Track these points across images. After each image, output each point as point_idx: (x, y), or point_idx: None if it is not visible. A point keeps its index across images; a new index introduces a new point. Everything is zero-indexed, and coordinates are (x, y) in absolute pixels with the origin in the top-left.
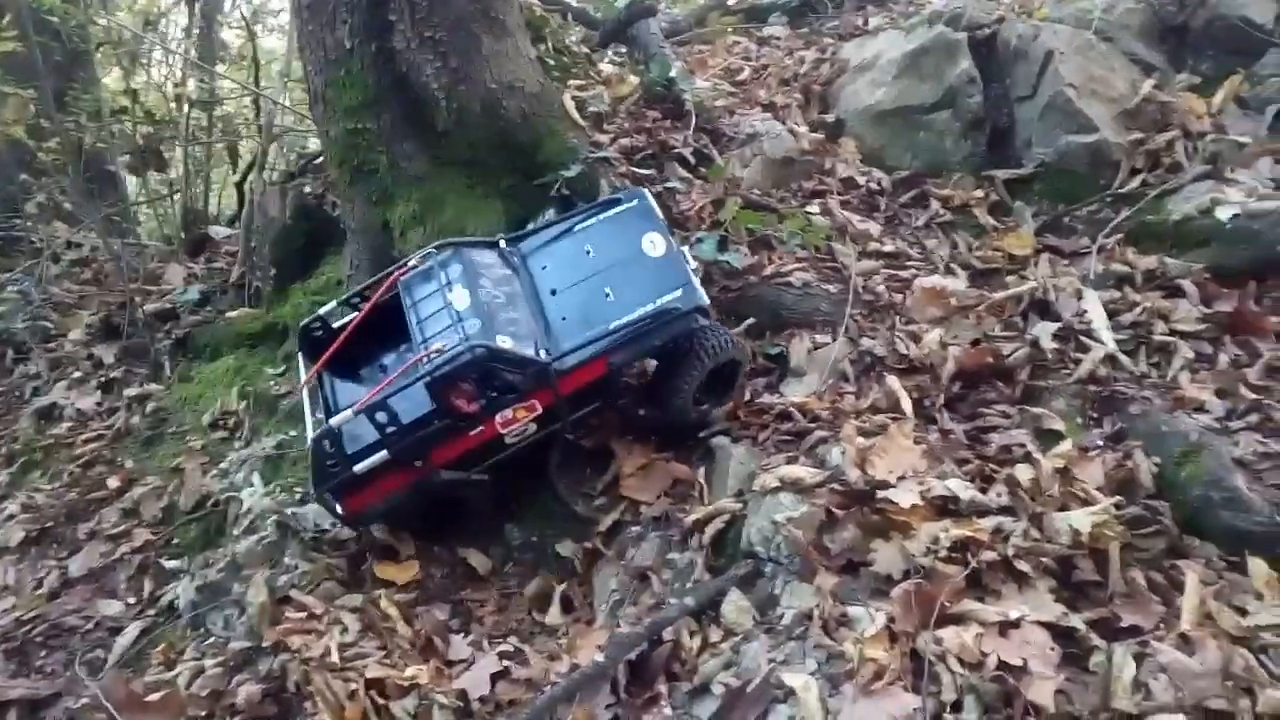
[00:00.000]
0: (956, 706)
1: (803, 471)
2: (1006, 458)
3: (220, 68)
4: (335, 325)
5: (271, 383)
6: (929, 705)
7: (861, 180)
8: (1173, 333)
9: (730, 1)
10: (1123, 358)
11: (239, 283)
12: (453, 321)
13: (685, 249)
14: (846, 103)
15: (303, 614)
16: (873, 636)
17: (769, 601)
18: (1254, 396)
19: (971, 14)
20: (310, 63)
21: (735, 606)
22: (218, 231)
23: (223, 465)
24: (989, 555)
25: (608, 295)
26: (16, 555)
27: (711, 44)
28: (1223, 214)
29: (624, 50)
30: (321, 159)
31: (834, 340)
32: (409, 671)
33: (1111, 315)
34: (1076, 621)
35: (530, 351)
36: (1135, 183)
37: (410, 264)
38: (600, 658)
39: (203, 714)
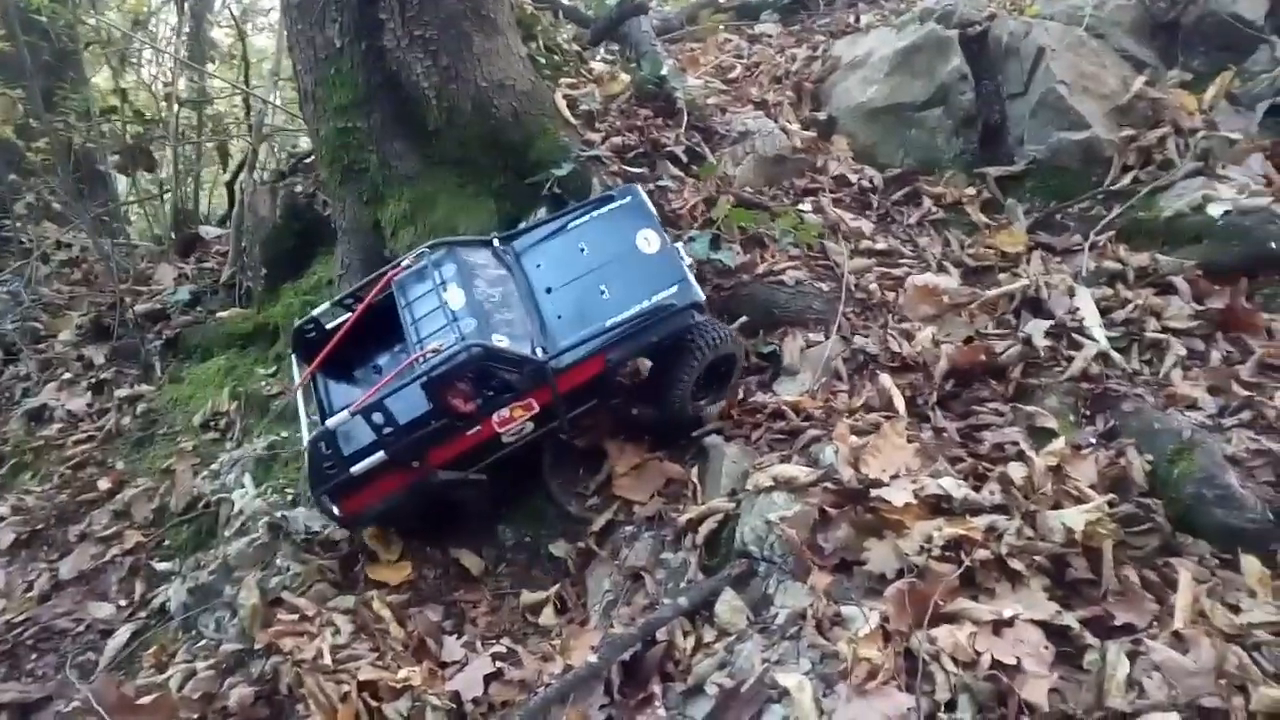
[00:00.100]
0: (950, 705)
1: (796, 470)
2: (999, 456)
3: (210, 67)
4: (329, 326)
5: (263, 383)
6: (923, 704)
7: (854, 178)
8: (1165, 330)
9: None
10: (1115, 355)
11: (230, 283)
12: (448, 321)
13: (679, 245)
14: (838, 100)
15: (295, 616)
16: (866, 636)
17: (763, 601)
18: (1246, 394)
19: (963, 11)
20: (300, 61)
21: (729, 606)
22: (208, 231)
23: (214, 466)
24: (982, 554)
25: (603, 293)
26: (7, 558)
27: (703, 41)
28: (1214, 211)
29: (615, 48)
30: (312, 158)
31: (827, 338)
32: (402, 673)
33: (1104, 312)
34: (1070, 620)
35: (526, 350)
36: (1127, 180)
37: (404, 264)
38: (594, 658)
39: (194, 717)
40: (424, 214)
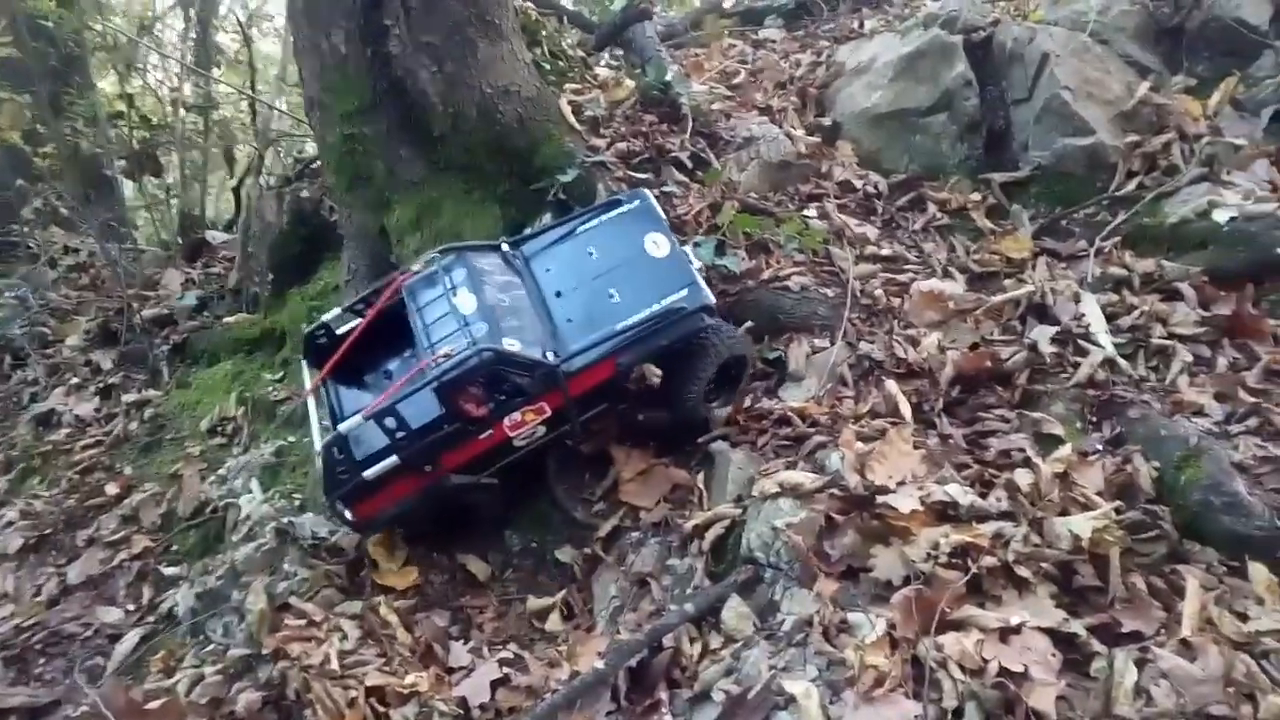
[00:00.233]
0: (958, 713)
1: (802, 477)
2: (1006, 462)
3: (216, 72)
4: (339, 332)
5: (270, 388)
6: (930, 712)
7: (858, 184)
8: (1171, 336)
9: (726, 4)
10: (1121, 361)
11: (236, 288)
12: (459, 326)
13: (688, 248)
14: (843, 106)
15: (302, 621)
16: (873, 643)
17: (769, 608)
18: (1253, 400)
19: (967, 17)
20: (306, 67)
21: (735, 613)
22: (215, 236)
23: (221, 471)
24: (989, 561)
25: (612, 296)
26: (15, 562)
27: (707, 47)
28: (1220, 216)
29: (620, 54)
30: (318, 164)
31: (832, 344)
32: (409, 679)
33: (1109, 319)
34: (1077, 627)
35: (537, 354)
36: (1132, 185)
37: (414, 269)
38: (600, 665)
39: None
40: (430, 220)
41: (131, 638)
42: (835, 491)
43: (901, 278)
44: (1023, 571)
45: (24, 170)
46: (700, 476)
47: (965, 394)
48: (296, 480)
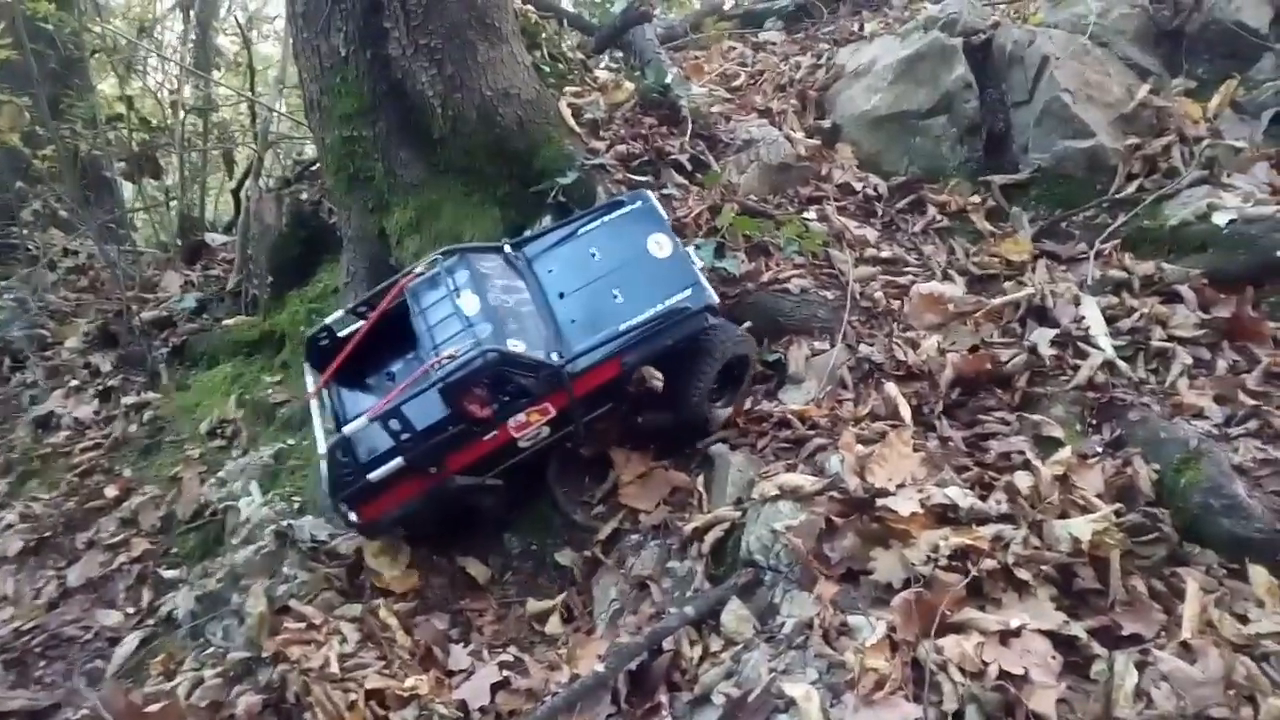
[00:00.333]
0: (958, 716)
1: (802, 479)
2: (1006, 465)
3: (216, 74)
4: (342, 335)
5: (269, 391)
6: (930, 714)
7: (858, 186)
8: (1171, 338)
9: (726, 7)
10: (1121, 364)
11: (236, 290)
12: (463, 327)
13: (690, 249)
14: (842, 108)
15: (302, 624)
16: (873, 645)
17: (769, 610)
18: (1253, 403)
19: (967, 19)
20: (306, 70)
21: (735, 615)
22: (214, 238)
23: (220, 474)
24: (989, 563)
25: (616, 297)
26: (15, 565)
27: (707, 49)
28: (1220, 219)
29: (620, 56)
30: (317, 166)
31: (832, 347)
32: (409, 682)
33: (1109, 321)
34: (1077, 630)
35: (542, 355)
36: (1132, 188)
37: (417, 271)
38: (600, 667)
39: None
40: (429, 222)
41: (131, 641)
42: (835, 494)
43: (901, 280)
44: (1023, 574)
45: (23, 172)
46: (700, 479)
47: (965, 396)
48: (296, 483)
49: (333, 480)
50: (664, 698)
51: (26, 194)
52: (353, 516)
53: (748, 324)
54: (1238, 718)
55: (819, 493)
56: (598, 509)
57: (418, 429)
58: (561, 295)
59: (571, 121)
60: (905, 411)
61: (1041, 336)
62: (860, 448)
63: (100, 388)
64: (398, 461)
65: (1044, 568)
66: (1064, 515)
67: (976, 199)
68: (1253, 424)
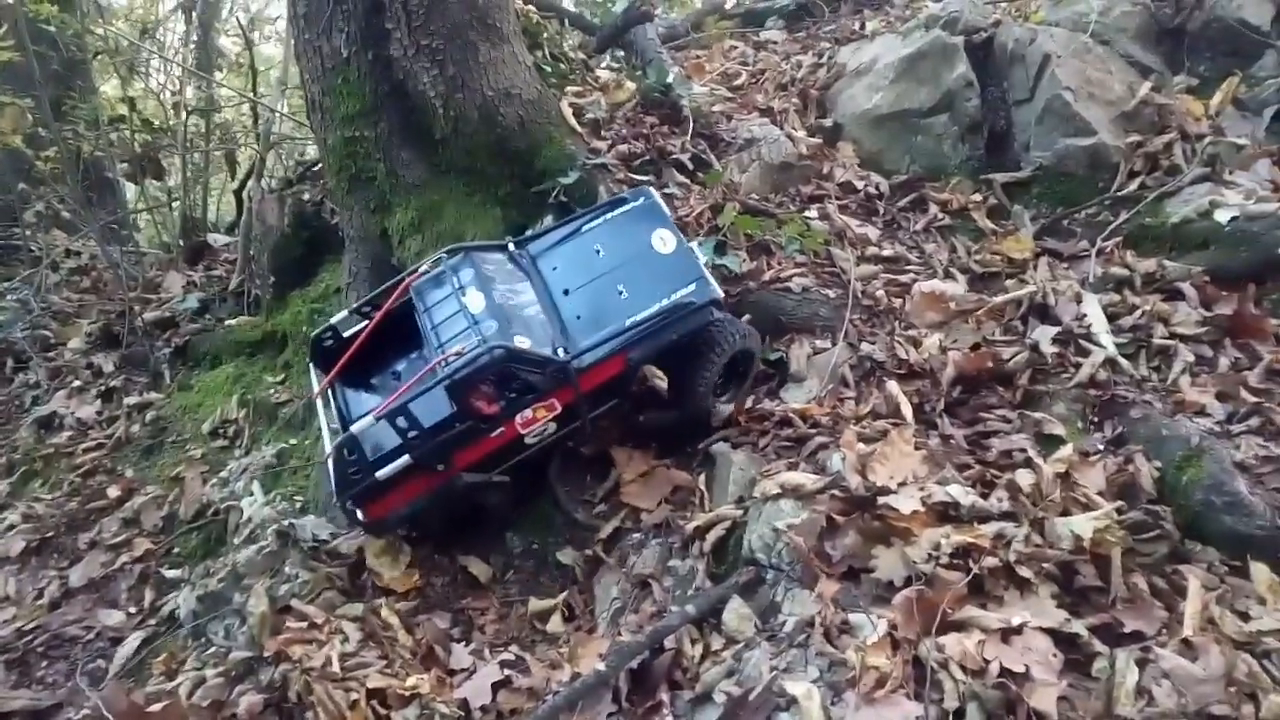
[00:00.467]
0: (959, 714)
1: (803, 478)
2: (1007, 463)
3: (218, 75)
4: (346, 334)
5: (271, 391)
6: (931, 712)
7: (860, 185)
8: (1173, 336)
9: (727, 6)
10: (1123, 361)
11: (238, 290)
12: (469, 324)
13: (694, 244)
14: (844, 107)
15: (303, 623)
16: (875, 644)
17: (770, 609)
18: (1255, 400)
19: (968, 18)
20: (307, 71)
21: (737, 614)
22: (216, 239)
23: (223, 474)
24: (990, 561)
25: (621, 293)
26: (17, 565)
27: (708, 49)
28: (1221, 216)
29: (621, 56)
30: (319, 166)
31: (834, 345)
32: (410, 681)
33: (1111, 319)
34: (1079, 627)
35: (548, 351)
36: (1134, 185)
37: (421, 269)
38: (602, 666)
39: None
40: (431, 222)
41: (133, 640)
42: (836, 492)
43: (903, 278)
44: (1024, 572)
45: (26, 174)
46: (701, 478)
47: (967, 394)
48: (298, 483)
49: (339, 479)
50: (665, 696)
51: (29, 195)
52: (360, 515)
53: (748, 317)
54: (1239, 715)
55: (820, 491)
56: (599, 508)
57: (425, 426)
58: (566, 292)
59: (573, 121)
60: (907, 410)
61: (1043, 334)
62: (862, 446)
63: (103, 388)
64: (405, 459)
65: (1045, 565)
66: (1065, 513)
67: (978, 197)
68: (1254, 421)
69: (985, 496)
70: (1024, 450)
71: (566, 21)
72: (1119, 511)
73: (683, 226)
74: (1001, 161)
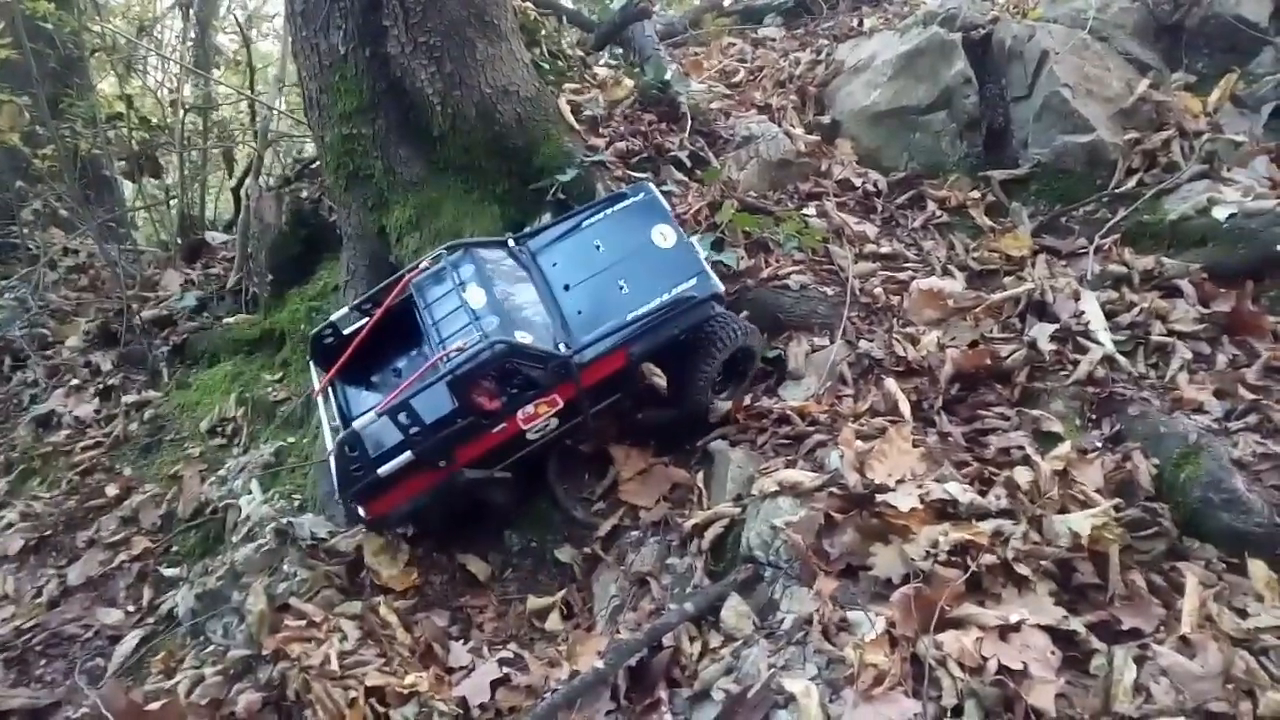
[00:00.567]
0: (957, 711)
1: (801, 475)
2: (1005, 460)
3: (215, 73)
4: (346, 332)
5: (269, 389)
6: (929, 710)
7: (858, 182)
8: (1171, 333)
9: (725, 3)
10: (1121, 359)
11: (236, 288)
12: (470, 320)
13: (694, 239)
14: (842, 104)
15: (302, 621)
16: (873, 641)
17: (769, 606)
18: (1253, 397)
19: (966, 14)
20: (305, 68)
21: (735, 611)
22: (214, 237)
23: (221, 472)
24: (988, 558)
25: (622, 288)
26: (16, 564)
27: (707, 46)
28: (1219, 213)
29: (619, 53)
30: (317, 164)
31: (832, 343)
32: (409, 679)
33: (1109, 316)
34: (1077, 625)
35: (550, 347)
36: (1132, 182)
37: (421, 266)
38: (600, 664)
39: None
40: (429, 219)
41: (131, 639)
42: (835, 490)
43: (901, 276)
44: (1022, 569)
45: (23, 171)
46: (700, 475)
47: (965, 392)
48: (296, 481)
49: (341, 476)
50: (664, 694)
51: (27, 193)
52: (361, 512)
53: (745, 314)
54: (1237, 712)
55: (819, 489)
56: (598, 505)
57: (427, 422)
58: (567, 288)
59: (571, 118)
60: (905, 407)
61: (1041, 331)
62: (860, 443)
63: (101, 386)
64: (407, 455)
65: (1043, 563)
66: (1063, 510)
67: (976, 194)
68: (1252, 418)
69: (983, 494)
70: (1022, 447)
71: (564, 18)
72: (1117, 509)
73: (681, 224)
74: (1000, 158)
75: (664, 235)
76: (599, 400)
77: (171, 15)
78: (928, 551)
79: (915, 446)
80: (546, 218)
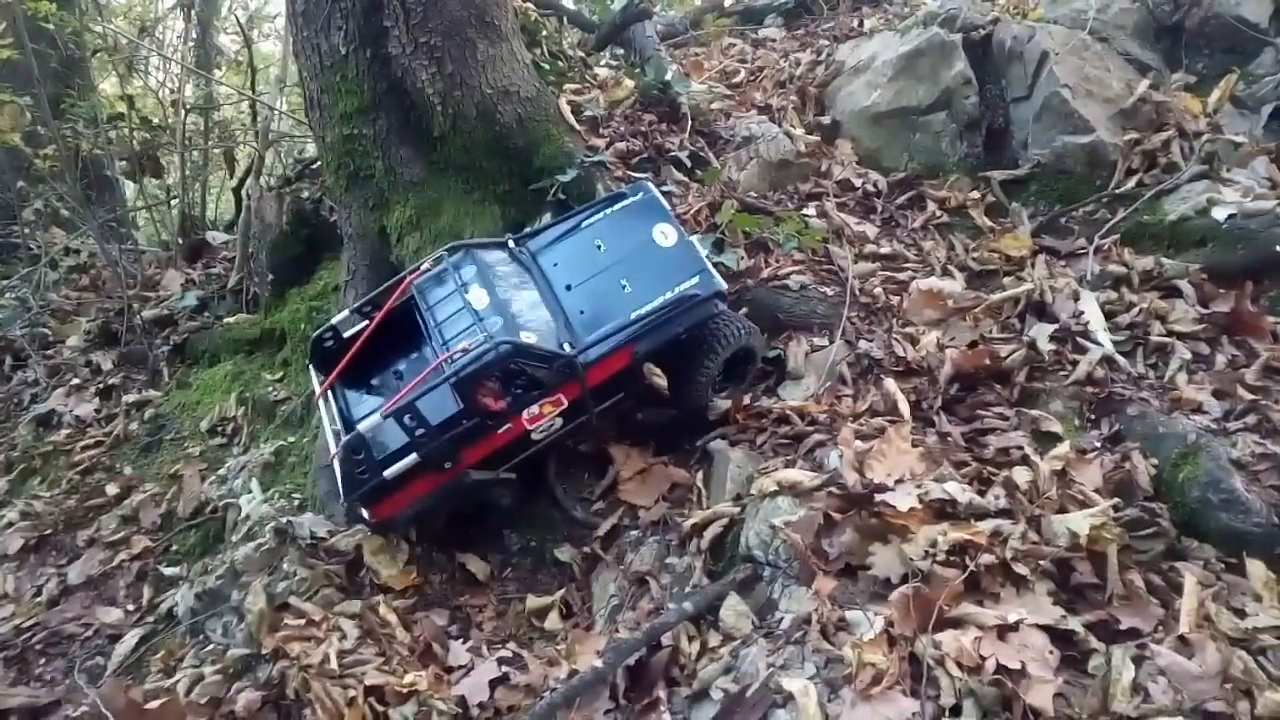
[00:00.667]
0: (955, 710)
1: (800, 475)
2: (1004, 460)
3: (217, 73)
4: (347, 335)
5: (269, 389)
6: (928, 709)
7: (858, 182)
8: (1170, 333)
9: (726, 3)
10: (1120, 359)
11: (237, 288)
12: (474, 321)
13: (695, 238)
14: (842, 105)
15: (301, 621)
16: (871, 640)
17: (767, 606)
18: (1251, 397)
19: (966, 15)
20: (306, 68)
21: (734, 611)
22: (215, 237)
23: (221, 472)
24: (987, 558)
25: (624, 287)
26: (16, 563)
27: (707, 46)
28: (1219, 214)
29: (620, 53)
30: (318, 164)
31: (831, 343)
32: (408, 678)
33: (1108, 316)
34: (1075, 624)
35: (553, 346)
36: (1131, 183)
37: (422, 267)
38: (599, 663)
39: None
40: (430, 220)
41: (131, 638)
42: (834, 490)
43: (901, 276)
44: (1021, 569)
45: (25, 171)
46: (699, 475)
47: (964, 392)
48: (296, 480)
49: (346, 479)
50: (662, 693)
51: (28, 193)
52: (366, 515)
53: (744, 311)
54: (1235, 712)
55: (818, 488)
56: (597, 505)
57: (432, 424)
58: (569, 288)
59: (571, 119)
60: (904, 407)
61: (1040, 332)
62: (859, 443)
63: (101, 386)
64: (412, 458)
65: (1042, 562)
66: (1062, 510)
67: (976, 195)
68: (1251, 419)
69: (982, 494)
70: (1021, 447)
71: (565, 19)
72: (1115, 509)
73: (681, 224)
74: (999, 159)
75: (665, 234)
76: (603, 400)
77: (173, 15)
78: (926, 551)
79: (914, 446)
80: (546, 218)
